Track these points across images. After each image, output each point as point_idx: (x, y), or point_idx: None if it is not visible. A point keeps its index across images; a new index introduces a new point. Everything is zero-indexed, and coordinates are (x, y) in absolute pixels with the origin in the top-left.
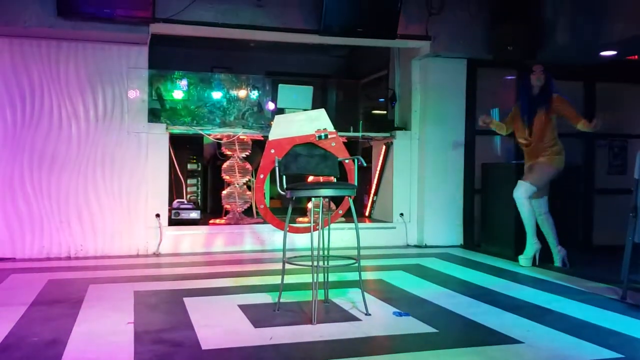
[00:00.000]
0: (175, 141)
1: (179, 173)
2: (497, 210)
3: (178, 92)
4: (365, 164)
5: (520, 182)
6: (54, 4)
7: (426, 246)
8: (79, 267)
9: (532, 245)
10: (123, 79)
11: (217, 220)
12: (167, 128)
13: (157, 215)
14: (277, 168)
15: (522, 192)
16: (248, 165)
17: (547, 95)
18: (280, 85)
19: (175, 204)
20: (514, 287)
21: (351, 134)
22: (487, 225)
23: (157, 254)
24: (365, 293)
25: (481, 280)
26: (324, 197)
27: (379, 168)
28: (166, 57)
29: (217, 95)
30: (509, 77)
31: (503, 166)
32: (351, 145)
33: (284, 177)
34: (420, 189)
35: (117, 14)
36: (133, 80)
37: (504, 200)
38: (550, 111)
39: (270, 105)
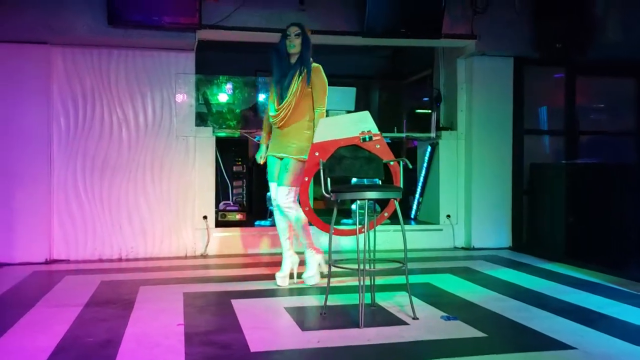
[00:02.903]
0: (221, 144)
1: (225, 175)
2: (547, 212)
3: (223, 95)
4: (410, 166)
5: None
6: (104, 14)
7: (474, 248)
8: (130, 268)
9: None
10: (171, 84)
11: (262, 222)
12: (213, 131)
13: (205, 217)
14: (321, 171)
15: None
16: None
17: (304, 63)
18: None
19: (221, 205)
20: (565, 290)
21: (395, 134)
22: (536, 226)
23: (204, 256)
24: (412, 297)
25: (531, 283)
26: (370, 199)
27: (424, 169)
28: (212, 62)
29: (261, 98)
30: (558, 75)
31: (552, 166)
32: (395, 146)
33: (329, 179)
34: (467, 190)
35: (164, 22)
36: (181, 85)
37: (553, 201)
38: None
39: None
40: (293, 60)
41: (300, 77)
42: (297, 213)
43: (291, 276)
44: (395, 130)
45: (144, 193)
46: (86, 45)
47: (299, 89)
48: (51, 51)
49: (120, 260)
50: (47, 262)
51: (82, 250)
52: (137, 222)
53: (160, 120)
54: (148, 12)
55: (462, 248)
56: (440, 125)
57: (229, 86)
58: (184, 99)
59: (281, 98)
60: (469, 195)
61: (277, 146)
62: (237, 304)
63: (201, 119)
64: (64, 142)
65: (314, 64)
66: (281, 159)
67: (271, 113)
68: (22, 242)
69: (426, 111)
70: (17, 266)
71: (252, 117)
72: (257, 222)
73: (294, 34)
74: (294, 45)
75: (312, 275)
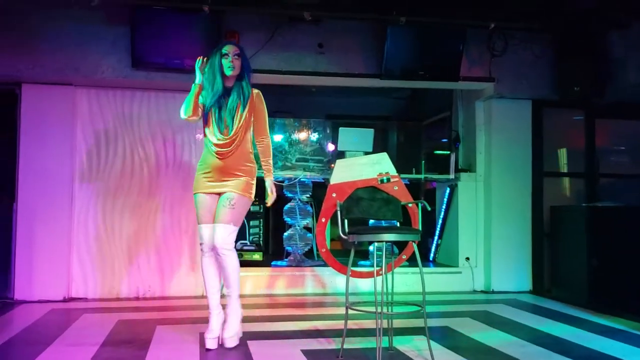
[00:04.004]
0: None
1: None
2: (568, 255)
3: None
4: (429, 208)
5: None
6: (129, 57)
7: (493, 292)
8: (147, 307)
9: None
10: (191, 125)
11: (279, 262)
12: None
13: None
14: (338, 212)
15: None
16: (309, 208)
17: (247, 88)
18: (341, 128)
19: (238, 245)
20: (588, 337)
21: (413, 176)
22: (557, 270)
23: (221, 295)
24: (431, 341)
25: (552, 329)
26: (388, 241)
27: (443, 210)
28: None
29: (279, 138)
30: (577, 118)
31: (573, 209)
32: (413, 187)
33: (346, 220)
34: (487, 232)
35: (185, 64)
36: (201, 126)
37: (575, 245)
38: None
39: (330, 147)
40: (230, 83)
41: (247, 107)
42: (236, 258)
43: None
44: (414, 171)
45: (162, 231)
46: (110, 87)
47: (245, 119)
48: (76, 92)
49: (137, 298)
50: (65, 300)
51: (100, 289)
52: (155, 261)
53: (180, 160)
54: (170, 56)
55: (482, 291)
56: (459, 167)
57: None
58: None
59: (219, 126)
60: (488, 238)
61: (215, 179)
62: (253, 345)
63: None
64: (86, 180)
65: (255, 89)
66: (220, 194)
67: (214, 141)
68: (41, 279)
69: (445, 152)
70: (36, 304)
71: None
72: (273, 263)
73: (233, 54)
74: (234, 68)
75: (234, 335)
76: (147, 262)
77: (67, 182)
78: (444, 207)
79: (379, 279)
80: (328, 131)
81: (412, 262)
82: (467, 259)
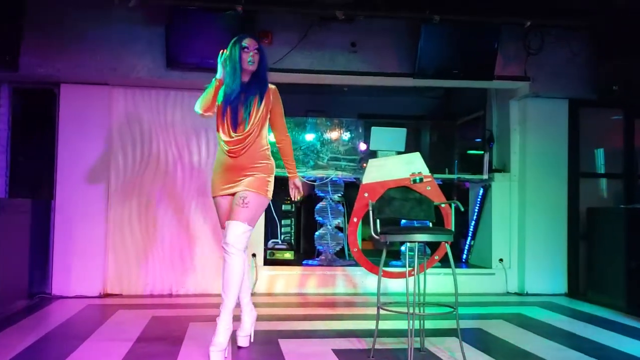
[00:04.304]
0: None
1: (274, 213)
2: (606, 257)
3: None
4: (462, 209)
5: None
6: (164, 57)
7: (528, 294)
8: (180, 304)
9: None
10: None
11: (310, 261)
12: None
13: (253, 255)
14: (370, 212)
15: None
16: (341, 207)
17: (264, 84)
18: (373, 127)
19: (270, 244)
20: (627, 342)
21: (446, 175)
22: (594, 272)
23: (252, 293)
24: (463, 342)
25: (589, 333)
26: (420, 242)
27: (476, 211)
28: None
29: (311, 138)
30: (616, 117)
31: (611, 210)
32: (446, 187)
33: (378, 220)
34: (521, 233)
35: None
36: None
37: (612, 247)
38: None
39: (362, 146)
40: (246, 78)
41: (263, 102)
42: (242, 264)
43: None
44: (447, 171)
45: (195, 230)
46: (145, 87)
47: (261, 116)
48: (113, 92)
49: (170, 295)
50: (100, 296)
51: (134, 285)
52: (188, 259)
53: (213, 159)
54: (204, 56)
55: (515, 293)
56: (493, 167)
57: None
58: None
59: (234, 122)
60: (522, 239)
61: (229, 180)
62: (284, 343)
63: None
64: (122, 179)
65: (271, 85)
66: (234, 193)
67: (225, 139)
68: (78, 276)
69: (478, 152)
70: (72, 299)
71: (301, 157)
72: (305, 262)
73: (253, 48)
74: (253, 63)
75: (222, 350)
76: (181, 260)
77: (104, 180)
78: (477, 207)
79: (411, 279)
80: (360, 130)
81: (444, 263)
82: (501, 260)
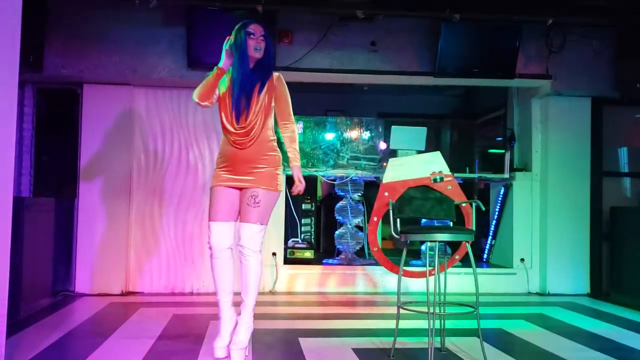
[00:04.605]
0: (291, 181)
1: (294, 212)
2: (629, 257)
3: None
4: (483, 208)
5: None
6: (184, 57)
7: (549, 294)
8: (201, 302)
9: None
10: None
11: (330, 260)
12: (283, 170)
13: (274, 254)
14: (390, 211)
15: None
16: (360, 206)
17: (269, 72)
18: (393, 126)
19: (290, 242)
20: None
21: (467, 175)
22: (617, 273)
23: (273, 292)
24: (484, 342)
25: (612, 334)
26: (441, 241)
27: (497, 210)
28: None
29: (331, 137)
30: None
31: (635, 210)
32: (467, 187)
33: (398, 219)
34: (543, 232)
35: None
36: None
37: (637, 247)
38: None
39: (382, 145)
40: (250, 65)
41: (264, 90)
42: (261, 263)
43: None
44: (467, 170)
45: None
46: (166, 87)
47: (263, 105)
48: (134, 92)
49: (191, 294)
50: (122, 294)
51: (156, 283)
52: (209, 257)
53: None
54: None
55: (537, 293)
56: (514, 166)
57: (299, 125)
58: None
59: (237, 112)
60: (544, 239)
61: (235, 172)
62: (304, 342)
63: None
64: (143, 177)
65: (275, 72)
66: (241, 188)
67: (231, 129)
68: (100, 273)
69: (499, 151)
70: (95, 297)
71: (321, 156)
72: (325, 261)
73: (260, 35)
74: (260, 50)
75: (242, 348)
76: (202, 259)
77: (125, 179)
78: (498, 206)
79: (432, 279)
80: (380, 129)
81: (465, 262)
82: (522, 260)
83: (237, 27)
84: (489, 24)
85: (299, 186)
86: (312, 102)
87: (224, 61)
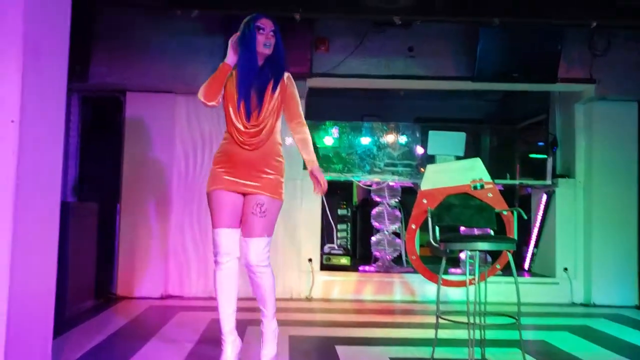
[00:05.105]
0: (327, 186)
1: (330, 218)
2: None
3: (328, 138)
4: (525, 217)
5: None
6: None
7: (594, 305)
8: (238, 307)
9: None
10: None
11: (367, 267)
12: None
13: (310, 260)
14: (429, 219)
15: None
16: (397, 213)
17: (280, 70)
18: (430, 132)
19: (326, 248)
20: None
21: (507, 181)
22: None
23: (309, 299)
24: (526, 354)
25: None
26: (481, 250)
27: (539, 218)
28: (319, 107)
29: (367, 142)
30: None
31: None
32: (507, 193)
33: (437, 227)
34: (587, 241)
35: None
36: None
37: None
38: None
39: (419, 151)
40: (259, 62)
41: (277, 90)
42: (272, 275)
43: None
44: (508, 176)
45: None
46: None
47: (275, 105)
48: (176, 99)
49: None
50: (162, 298)
51: (194, 287)
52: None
53: None
54: None
55: (581, 304)
56: (557, 173)
57: (335, 130)
58: (293, 143)
59: (247, 111)
60: (588, 248)
61: (239, 175)
62: (341, 350)
63: None
64: (183, 183)
65: (285, 72)
66: (244, 194)
67: (240, 129)
68: (141, 277)
69: (541, 156)
70: (136, 300)
71: (357, 161)
72: (361, 267)
73: (270, 30)
74: (270, 46)
75: (274, 357)
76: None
77: (166, 185)
78: (540, 214)
79: (472, 288)
80: (417, 135)
81: (506, 271)
82: (565, 269)
83: (245, 20)
84: (529, 28)
85: (323, 186)
86: (348, 108)
87: (229, 56)
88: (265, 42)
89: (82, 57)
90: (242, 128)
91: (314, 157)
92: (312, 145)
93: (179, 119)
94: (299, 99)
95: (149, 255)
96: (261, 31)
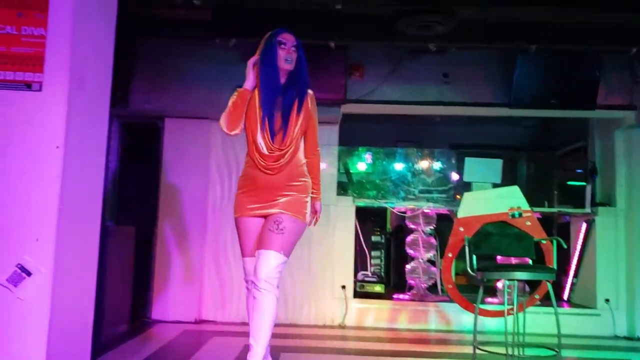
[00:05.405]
0: (360, 213)
1: (363, 244)
2: None
3: (362, 164)
4: (565, 246)
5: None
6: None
7: (638, 339)
8: (272, 334)
9: None
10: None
11: (401, 295)
12: (353, 201)
13: (343, 287)
14: (466, 247)
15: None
16: (433, 240)
17: (303, 87)
18: (466, 158)
19: (359, 275)
20: None
21: (546, 209)
22: None
23: (342, 326)
24: None
25: None
26: (520, 280)
27: (579, 247)
28: (353, 133)
29: (401, 168)
30: None
31: None
32: (545, 221)
33: (474, 256)
34: (630, 271)
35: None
36: (324, 156)
37: None
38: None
39: (455, 177)
40: (282, 79)
41: (302, 110)
42: (275, 301)
43: None
44: (546, 204)
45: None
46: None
47: (301, 125)
48: (211, 125)
49: None
50: (196, 322)
51: (227, 313)
52: (282, 289)
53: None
54: None
55: (624, 337)
56: (597, 201)
57: (368, 156)
58: (326, 168)
59: (271, 133)
60: (631, 278)
61: (261, 199)
62: None
63: (342, 189)
64: (218, 208)
65: (309, 90)
66: (265, 216)
67: (263, 152)
68: (176, 301)
69: (579, 183)
70: (170, 324)
71: (391, 187)
72: (395, 295)
73: (291, 45)
74: (292, 61)
75: None
76: (281, 287)
77: (202, 210)
78: (579, 243)
79: (510, 318)
80: (453, 161)
81: (545, 301)
82: (607, 300)
83: (267, 36)
84: (567, 55)
85: (315, 220)
86: (381, 133)
87: (248, 80)
88: (286, 57)
89: (123, 83)
90: (265, 152)
91: (319, 188)
92: (319, 175)
93: (214, 144)
94: (317, 121)
95: (183, 280)
96: (282, 46)
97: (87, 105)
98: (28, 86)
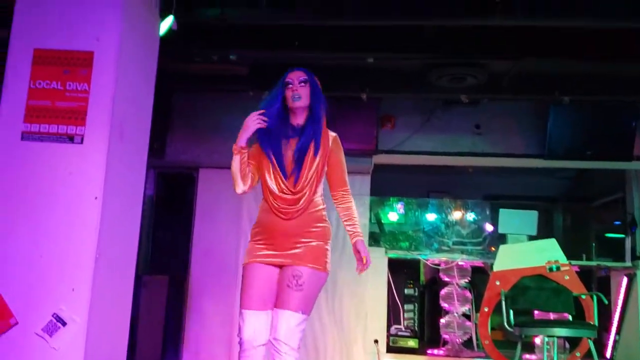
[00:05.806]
0: (393, 265)
1: (396, 297)
2: None
3: (394, 214)
4: (606, 302)
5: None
6: None
7: None
8: None
9: None
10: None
11: (435, 351)
12: (386, 252)
13: (376, 341)
14: (503, 302)
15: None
16: (468, 293)
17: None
18: (501, 210)
19: (392, 329)
20: None
21: (584, 262)
22: None
23: None
24: None
25: None
26: (560, 337)
27: (620, 302)
28: (384, 183)
29: (434, 219)
30: None
31: None
32: (584, 275)
33: (511, 311)
34: None
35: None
36: (357, 206)
37: None
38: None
39: (488, 227)
40: (299, 120)
41: (320, 151)
42: None
43: None
44: (584, 257)
45: (317, 309)
46: None
47: (317, 168)
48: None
49: None
50: None
51: None
52: (310, 339)
53: (343, 234)
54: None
55: None
56: (637, 254)
57: (400, 206)
58: (358, 219)
59: (284, 175)
60: None
61: (276, 247)
62: None
63: (374, 239)
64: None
65: (332, 133)
66: (281, 266)
67: (276, 195)
68: (207, 349)
69: (618, 235)
70: None
71: (424, 239)
72: (429, 351)
73: (298, 81)
74: (300, 98)
75: None
76: (303, 345)
77: (234, 260)
78: (621, 298)
79: None
80: (487, 212)
81: (586, 359)
82: None
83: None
84: (602, 106)
85: (366, 264)
86: (414, 183)
87: (238, 137)
88: (293, 96)
89: (160, 135)
90: (278, 194)
91: (359, 229)
92: (357, 217)
93: (246, 195)
94: (345, 164)
95: (215, 329)
96: (289, 86)
97: (126, 158)
98: (70, 139)
